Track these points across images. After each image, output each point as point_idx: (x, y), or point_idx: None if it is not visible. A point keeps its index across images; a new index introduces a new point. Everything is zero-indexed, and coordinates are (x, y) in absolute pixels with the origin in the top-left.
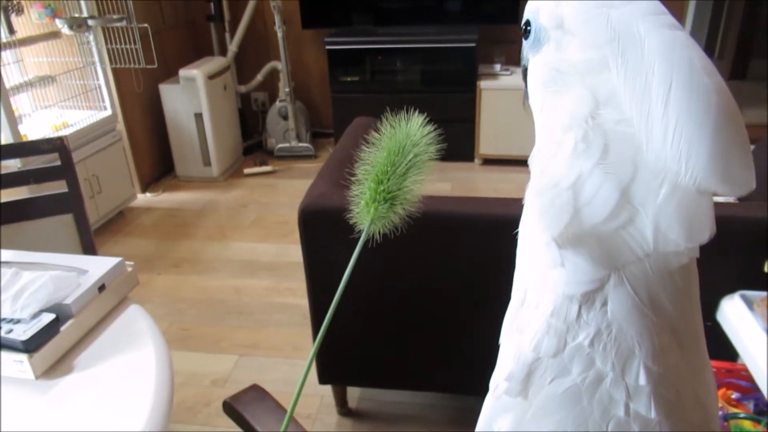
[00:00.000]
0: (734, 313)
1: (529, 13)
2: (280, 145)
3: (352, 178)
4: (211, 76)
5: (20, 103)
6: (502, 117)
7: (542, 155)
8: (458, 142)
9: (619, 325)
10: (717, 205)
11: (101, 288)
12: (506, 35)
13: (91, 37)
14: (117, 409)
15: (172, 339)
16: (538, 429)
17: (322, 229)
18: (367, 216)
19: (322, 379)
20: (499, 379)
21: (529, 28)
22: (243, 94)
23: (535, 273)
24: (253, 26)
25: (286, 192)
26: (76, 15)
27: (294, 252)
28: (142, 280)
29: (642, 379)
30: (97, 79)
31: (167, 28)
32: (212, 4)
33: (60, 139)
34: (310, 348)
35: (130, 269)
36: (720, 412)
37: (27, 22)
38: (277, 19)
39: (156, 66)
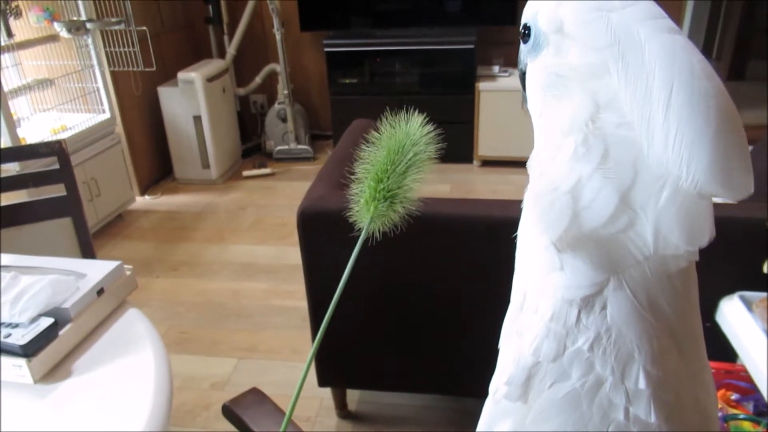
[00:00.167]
0: (733, 313)
1: (527, 17)
2: (278, 148)
3: (352, 177)
4: (210, 79)
5: (19, 106)
6: (501, 118)
7: (541, 159)
8: (457, 143)
9: (619, 329)
10: (716, 206)
11: (100, 292)
12: (505, 37)
13: (90, 41)
14: (116, 413)
15: (170, 342)
16: None
17: (321, 232)
18: (366, 214)
19: (322, 382)
20: (498, 384)
21: (527, 32)
22: (242, 96)
23: (535, 277)
24: (252, 29)
25: (285, 194)
26: (75, 18)
27: (293, 254)
28: (141, 283)
29: (641, 383)
30: (96, 82)
31: (166, 31)
32: (211, 7)
33: (58, 142)
34: (309, 350)
35: (128, 273)
36: (719, 414)
37: (25, 26)
38: (275, 21)
39: (154, 69)
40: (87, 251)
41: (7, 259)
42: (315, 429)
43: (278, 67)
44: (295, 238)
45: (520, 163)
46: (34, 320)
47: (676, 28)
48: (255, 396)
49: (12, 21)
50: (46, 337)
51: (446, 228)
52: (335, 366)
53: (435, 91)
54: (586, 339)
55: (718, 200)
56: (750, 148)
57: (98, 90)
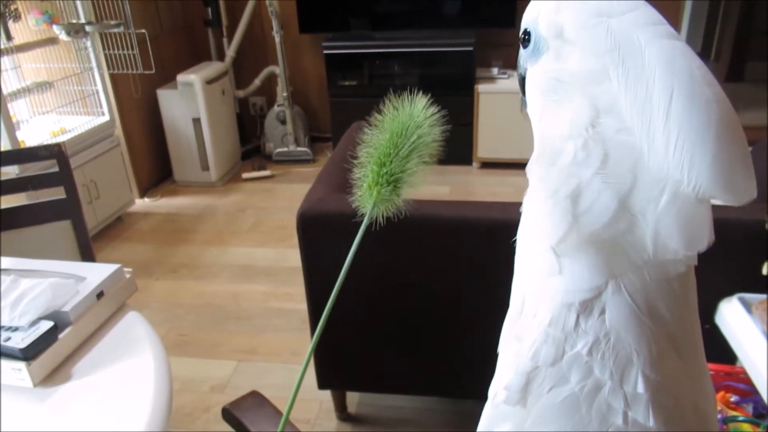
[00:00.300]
0: (733, 315)
1: (527, 22)
2: (278, 150)
3: (355, 161)
4: (209, 81)
5: (18, 109)
6: (500, 120)
7: (541, 163)
8: (456, 145)
9: (617, 333)
10: (715, 207)
11: (99, 295)
12: (503, 39)
13: (89, 43)
14: (116, 416)
15: (170, 345)
16: None
17: (321, 234)
18: (369, 199)
19: (322, 384)
20: (497, 388)
21: (527, 37)
22: (241, 98)
23: (533, 281)
24: (251, 31)
25: (285, 196)
26: (74, 21)
27: (292, 257)
28: (140, 286)
29: (640, 387)
30: (95, 84)
31: (165, 34)
32: (210, 9)
33: (58, 145)
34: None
35: (128, 276)
36: (719, 416)
37: (24, 29)
38: (274, 23)
39: (154, 71)
40: (86, 254)
41: (7, 262)
42: (315, 431)
43: (277, 70)
44: (295, 240)
45: (520, 165)
46: (33, 323)
47: (676, 34)
48: (255, 399)
49: (11, 24)
50: (46, 340)
51: (446, 230)
52: (335, 368)
53: (434, 93)
54: (585, 343)
55: (717, 202)
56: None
57: (97, 93)
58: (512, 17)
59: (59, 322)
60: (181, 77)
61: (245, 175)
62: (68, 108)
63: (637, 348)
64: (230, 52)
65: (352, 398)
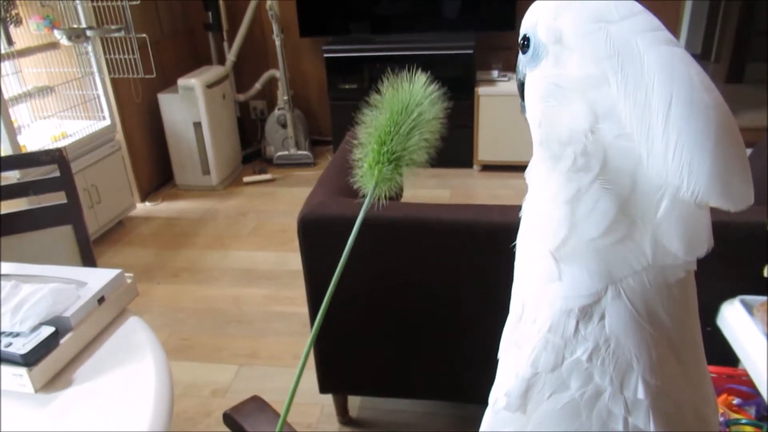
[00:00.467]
0: (734, 318)
1: (526, 27)
2: (279, 153)
3: (355, 142)
4: (210, 85)
5: (19, 113)
6: (501, 123)
7: (540, 169)
8: (457, 148)
9: (617, 339)
10: (716, 210)
11: (101, 300)
12: (503, 42)
13: (90, 48)
14: (117, 421)
15: (171, 349)
16: None
17: (322, 237)
18: (371, 179)
19: (323, 389)
20: (498, 394)
21: (527, 42)
22: (242, 102)
23: (533, 287)
24: (251, 35)
25: (286, 200)
26: (75, 26)
27: (293, 260)
28: (142, 290)
29: (640, 393)
30: (96, 89)
31: (165, 38)
32: (210, 14)
33: (59, 150)
34: (310, 357)
35: (129, 281)
36: (721, 418)
37: (26, 33)
38: (275, 27)
39: (154, 75)
40: (87, 258)
41: (8, 267)
42: None
43: (278, 73)
44: (296, 244)
45: (520, 168)
46: (35, 329)
47: (675, 40)
48: (256, 403)
49: (12, 29)
50: (47, 346)
51: (447, 233)
52: (336, 372)
53: None
54: (584, 349)
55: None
56: (748, 151)
57: (98, 97)
58: (512, 20)
59: (60, 328)
60: (181, 81)
61: (246, 179)
62: (69, 112)
63: (637, 354)
64: (231, 56)
65: (354, 402)
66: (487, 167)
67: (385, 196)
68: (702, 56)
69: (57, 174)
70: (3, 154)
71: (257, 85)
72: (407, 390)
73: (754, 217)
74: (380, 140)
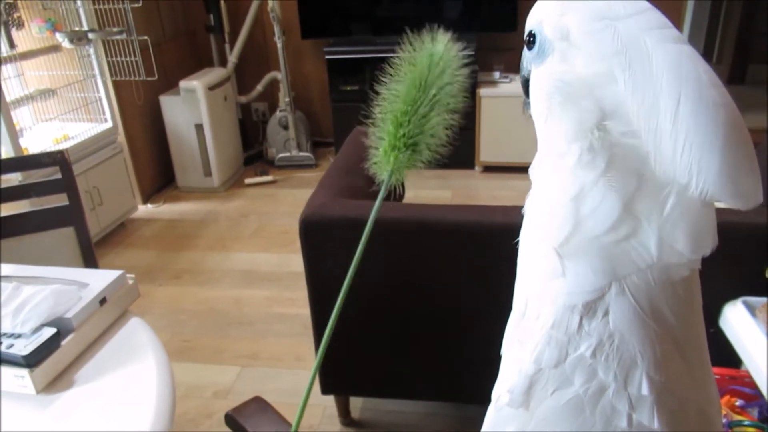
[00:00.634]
0: (737, 319)
1: (531, 24)
2: (280, 155)
3: (369, 121)
4: (212, 87)
5: (21, 116)
6: (502, 124)
7: (545, 166)
8: (458, 149)
9: (621, 335)
10: (719, 211)
11: (102, 301)
12: (505, 43)
13: (92, 50)
14: (118, 423)
15: (173, 351)
16: None
17: (324, 239)
18: (386, 166)
19: (325, 390)
20: (501, 391)
21: (532, 39)
22: (243, 104)
23: (536, 284)
24: (253, 37)
25: (287, 202)
26: (77, 29)
27: (295, 262)
28: (143, 292)
29: (644, 389)
30: (98, 91)
31: (167, 40)
32: (212, 16)
33: (61, 152)
34: (311, 358)
35: (131, 282)
36: (724, 420)
37: (27, 36)
38: (276, 29)
39: (156, 78)
40: (89, 260)
41: (9, 269)
42: None
43: (279, 75)
44: (297, 245)
45: (522, 169)
46: (36, 330)
47: (683, 38)
48: (258, 404)
49: (14, 32)
50: (49, 347)
51: (448, 235)
52: (338, 374)
53: None
54: (588, 345)
55: (721, 205)
56: None
57: (100, 99)
58: (514, 21)
59: (62, 329)
60: (183, 83)
61: (248, 181)
62: (71, 115)
63: (641, 350)
64: (232, 58)
65: (356, 403)
66: (489, 168)
67: (402, 185)
68: (704, 57)
69: (59, 176)
70: (5, 157)
71: (259, 87)
72: (408, 391)
73: (756, 218)
74: (396, 121)
